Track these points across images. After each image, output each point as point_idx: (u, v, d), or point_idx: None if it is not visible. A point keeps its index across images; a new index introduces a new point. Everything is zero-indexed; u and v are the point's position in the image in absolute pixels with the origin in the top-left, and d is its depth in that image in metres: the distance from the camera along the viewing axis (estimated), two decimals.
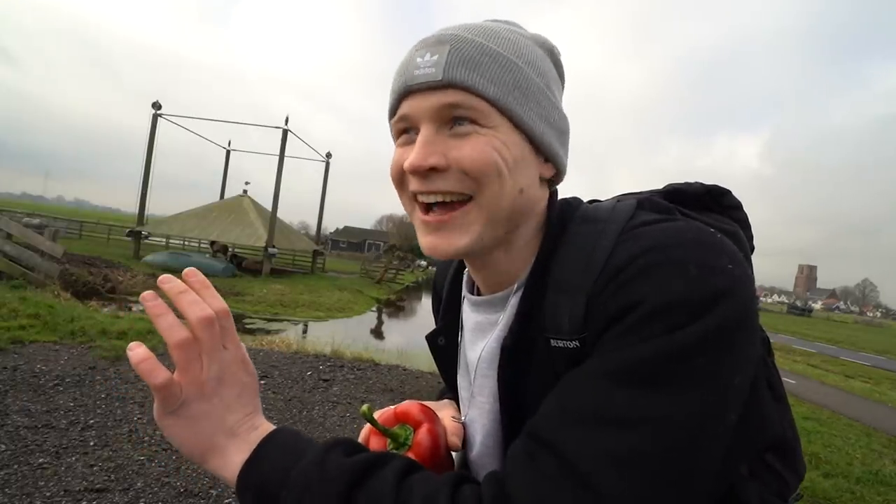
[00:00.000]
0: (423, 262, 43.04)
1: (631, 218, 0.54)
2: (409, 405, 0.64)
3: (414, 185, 0.55)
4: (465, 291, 0.69)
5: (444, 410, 0.69)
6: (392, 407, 0.65)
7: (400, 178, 0.57)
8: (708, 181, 0.65)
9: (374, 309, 16.90)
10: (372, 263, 30.83)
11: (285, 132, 21.87)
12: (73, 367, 4.46)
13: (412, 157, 0.52)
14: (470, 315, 0.66)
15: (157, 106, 21.07)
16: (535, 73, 0.56)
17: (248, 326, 10.31)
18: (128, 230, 21.46)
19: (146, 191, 21.17)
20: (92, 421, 3.46)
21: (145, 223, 21.62)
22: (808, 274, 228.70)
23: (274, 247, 20.90)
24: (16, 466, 2.74)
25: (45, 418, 3.38)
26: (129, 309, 9.11)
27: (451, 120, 0.53)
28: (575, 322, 0.50)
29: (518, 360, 0.57)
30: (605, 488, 0.40)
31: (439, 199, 0.54)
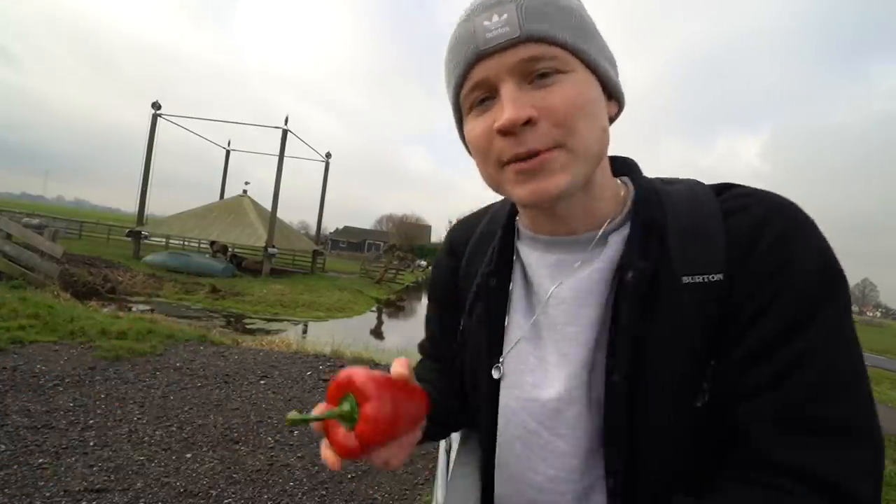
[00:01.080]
0: (423, 262, 43.01)
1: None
2: (334, 377, 0.56)
3: (506, 148, 0.53)
4: (527, 233, 0.67)
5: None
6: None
7: (487, 147, 0.55)
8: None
9: (373, 309, 16.87)
10: (372, 263, 30.79)
11: (285, 132, 21.84)
12: (72, 367, 4.45)
13: (506, 114, 0.51)
14: (541, 256, 0.64)
15: (156, 106, 21.06)
16: (584, 12, 0.57)
17: (248, 326, 10.31)
18: (127, 230, 21.43)
19: (146, 190, 21.15)
20: (92, 421, 3.45)
21: (145, 223, 21.61)
22: None
23: (274, 247, 20.87)
24: (15, 467, 2.74)
25: (44, 418, 3.37)
26: (129, 309, 9.10)
27: (531, 73, 0.52)
28: (714, 260, 0.52)
29: (641, 296, 0.54)
30: (871, 436, 0.47)
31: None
